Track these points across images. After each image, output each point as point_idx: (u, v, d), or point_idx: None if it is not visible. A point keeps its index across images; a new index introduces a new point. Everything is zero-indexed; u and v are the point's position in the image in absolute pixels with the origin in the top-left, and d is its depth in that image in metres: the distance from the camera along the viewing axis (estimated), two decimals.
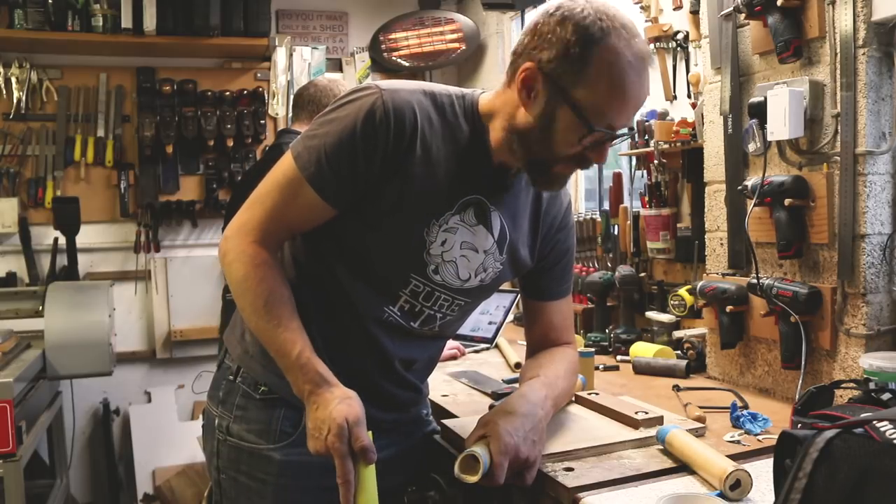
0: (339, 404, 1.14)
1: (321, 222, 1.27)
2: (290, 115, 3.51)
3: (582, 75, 1.14)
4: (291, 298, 1.24)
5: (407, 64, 4.00)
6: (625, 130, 1.21)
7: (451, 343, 2.37)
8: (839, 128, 1.60)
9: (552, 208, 1.42)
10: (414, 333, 1.36)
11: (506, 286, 2.08)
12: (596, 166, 3.20)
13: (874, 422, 0.88)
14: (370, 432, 1.14)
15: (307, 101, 2.66)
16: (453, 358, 2.33)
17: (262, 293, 1.22)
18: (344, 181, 1.22)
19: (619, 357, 2.23)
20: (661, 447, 1.34)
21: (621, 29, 1.14)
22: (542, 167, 1.24)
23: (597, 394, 1.59)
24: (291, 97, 3.88)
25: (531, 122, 1.20)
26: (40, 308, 3.05)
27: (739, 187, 1.81)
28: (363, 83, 1.27)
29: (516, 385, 1.53)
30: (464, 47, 3.96)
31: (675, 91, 2.46)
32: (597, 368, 1.97)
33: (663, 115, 2.40)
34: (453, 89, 1.31)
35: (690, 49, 2.38)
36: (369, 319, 1.31)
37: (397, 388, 1.39)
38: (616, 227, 2.62)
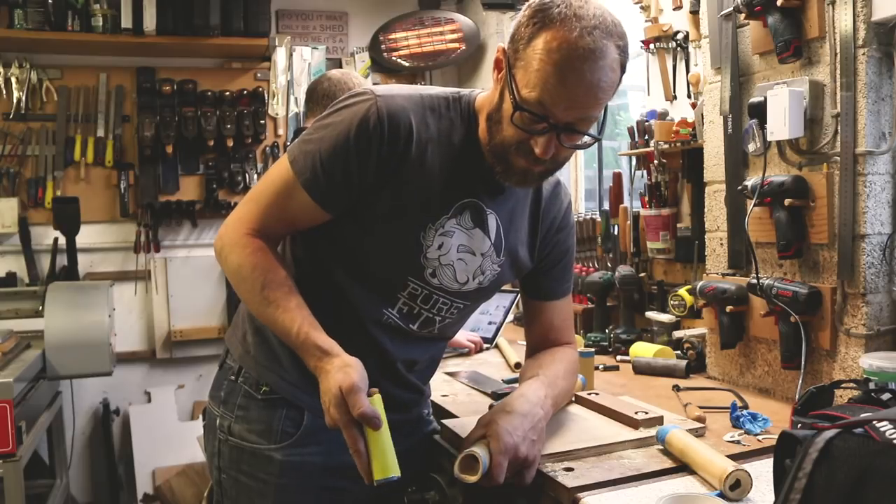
0: (336, 373, 1.13)
1: (315, 224, 1.28)
2: (303, 110, 3.50)
3: (524, 53, 1.14)
4: (288, 279, 1.24)
5: (407, 64, 4.00)
6: (569, 128, 1.14)
7: (469, 335, 2.38)
8: (839, 128, 1.60)
9: (552, 208, 1.42)
10: (414, 335, 1.36)
11: (506, 286, 2.08)
12: (596, 167, 3.21)
13: (874, 422, 0.88)
14: (377, 397, 1.12)
15: (322, 94, 2.63)
16: (468, 351, 2.34)
17: (257, 279, 1.22)
18: (338, 187, 1.22)
19: (619, 357, 2.23)
20: (661, 447, 1.34)
21: (575, 20, 1.10)
22: (500, 155, 1.22)
23: (597, 394, 1.59)
24: (291, 97, 3.90)
25: (493, 103, 1.22)
26: (40, 308, 3.05)
27: (739, 187, 1.81)
28: (360, 88, 1.27)
29: (516, 385, 1.53)
30: (464, 47, 3.96)
31: (675, 91, 2.46)
32: (597, 368, 1.97)
33: (663, 115, 2.40)
34: (450, 91, 1.31)
35: (690, 49, 2.38)
36: (369, 321, 1.31)
37: (399, 389, 1.39)
38: (616, 227, 2.62)
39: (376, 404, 1.11)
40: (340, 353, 1.17)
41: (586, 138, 1.19)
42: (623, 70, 1.18)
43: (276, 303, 1.21)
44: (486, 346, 2.42)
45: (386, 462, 1.09)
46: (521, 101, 1.14)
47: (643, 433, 1.39)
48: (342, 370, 1.13)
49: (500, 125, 1.20)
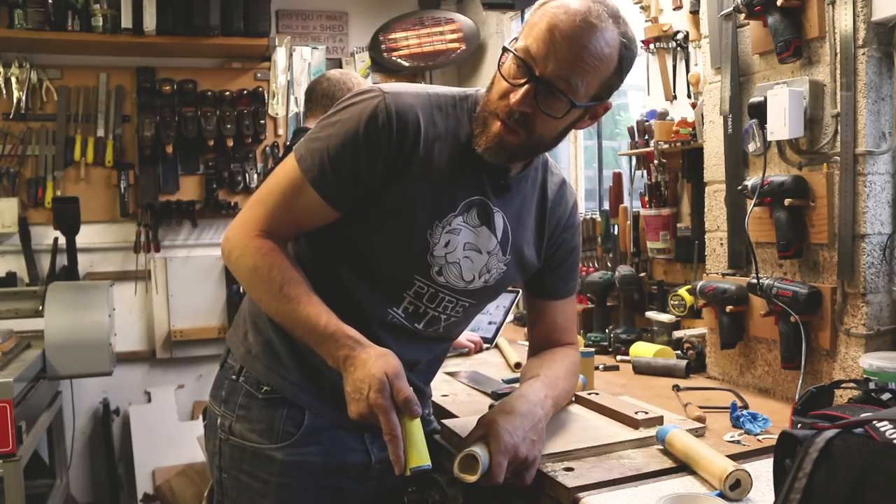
0: (377, 361, 1.14)
1: (324, 223, 1.28)
2: (303, 110, 3.50)
3: (529, 18, 1.20)
4: (305, 279, 1.25)
5: (407, 64, 4.00)
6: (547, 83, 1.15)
7: (469, 335, 2.38)
8: (839, 128, 1.61)
9: (558, 208, 1.43)
10: (418, 335, 1.36)
11: None
12: (596, 167, 3.21)
13: (874, 422, 0.88)
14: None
15: (321, 94, 2.65)
16: (468, 351, 2.34)
17: (276, 278, 1.22)
18: (347, 184, 1.22)
19: (619, 357, 2.23)
20: (661, 447, 1.34)
21: (569, 2, 1.16)
22: (482, 117, 1.23)
23: (597, 394, 1.59)
24: (291, 97, 3.90)
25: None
26: (40, 308, 3.05)
27: (739, 187, 1.81)
28: (365, 86, 1.27)
29: (516, 385, 1.53)
30: (464, 47, 3.96)
31: (675, 91, 2.46)
32: (597, 368, 1.97)
33: (663, 115, 2.40)
34: (456, 90, 1.32)
35: (690, 49, 2.38)
36: (374, 321, 1.31)
37: None
38: (616, 227, 2.63)
39: None
40: (373, 345, 1.19)
41: (564, 110, 1.18)
42: (622, 66, 1.20)
43: (298, 299, 1.21)
44: (486, 346, 2.42)
45: (421, 450, 1.10)
46: (512, 47, 1.19)
47: (643, 433, 1.39)
48: (382, 358, 1.15)
49: (492, 85, 1.23)
